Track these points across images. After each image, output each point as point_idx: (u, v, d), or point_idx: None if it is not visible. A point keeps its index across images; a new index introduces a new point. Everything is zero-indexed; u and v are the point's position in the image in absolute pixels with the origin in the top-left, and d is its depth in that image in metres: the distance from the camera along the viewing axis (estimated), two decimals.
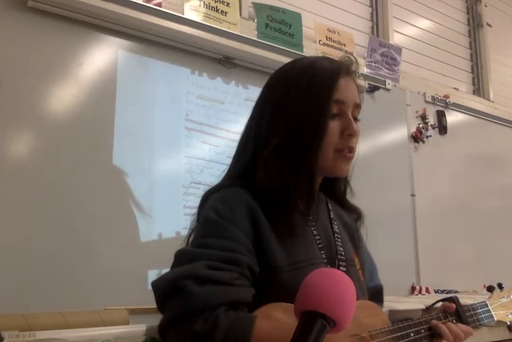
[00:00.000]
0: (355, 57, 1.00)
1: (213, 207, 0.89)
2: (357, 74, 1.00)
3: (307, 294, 0.63)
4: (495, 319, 1.06)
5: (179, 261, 0.82)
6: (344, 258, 0.96)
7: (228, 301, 0.77)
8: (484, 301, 1.06)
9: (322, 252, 0.93)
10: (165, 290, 0.78)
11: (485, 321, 1.02)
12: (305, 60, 1.00)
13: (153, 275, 1.72)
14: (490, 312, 1.05)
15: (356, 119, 0.96)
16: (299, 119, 0.91)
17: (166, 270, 0.84)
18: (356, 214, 1.08)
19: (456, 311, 0.97)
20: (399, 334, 0.86)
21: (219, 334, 0.73)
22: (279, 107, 0.94)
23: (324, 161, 0.93)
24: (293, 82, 0.94)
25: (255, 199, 0.89)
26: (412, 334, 0.88)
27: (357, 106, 0.96)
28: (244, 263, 0.82)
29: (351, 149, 0.94)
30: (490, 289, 1.13)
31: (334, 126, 0.92)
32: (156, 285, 0.80)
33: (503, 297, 1.10)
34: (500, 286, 1.13)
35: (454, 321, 0.96)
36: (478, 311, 1.02)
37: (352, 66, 0.97)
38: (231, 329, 0.74)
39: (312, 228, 0.94)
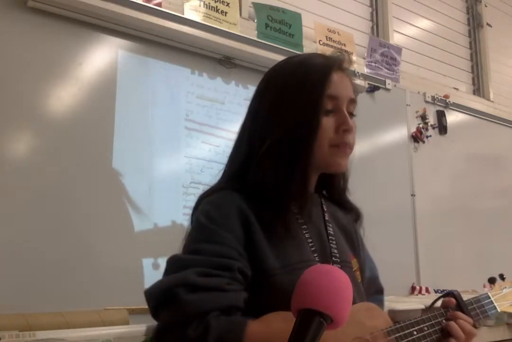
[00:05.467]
0: (347, 53, 0.99)
1: (204, 211, 0.88)
2: (355, 72, 0.99)
3: (302, 292, 0.62)
4: (499, 310, 1.05)
5: (171, 268, 0.83)
6: (338, 260, 0.94)
7: (220, 306, 0.77)
8: (486, 293, 1.05)
9: (315, 255, 0.91)
10: (158, 298, 0.79)
11: (489, 313, 1.01)
12: (298, 57, 0.99)
13: (153, 274, 1.72)
14: (493, 303, 1.03)
15: (352, 114, 0.94)
16: (293, 117, 0.90)
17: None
18: (354, 214, 1.07)
19: (458, 306, 0.96)
20: (401, 333, 0.86)
21: (212, 338, 0.73)
22: (273, 106, 0.93)
23: (320, 157, 0.91)
24: (286, 80, 0.94)
25: (247, 201, 0.89)
26: (415, 333, 0.87)
27: (352, 101, 0.94)
28: (235, 268, 0.81)
29: (348, 145, 0.92)
30: (491, 280, 1.12)
31: (328, 122, 0.90)
32: (149, 293, 0.80)
33: (505, 288, 1.08)
34: (502, 277, 1.12)
35: None
36: (481, 303, 1.01)
37: (345, 62, 0.96)
38: (223, 332, 0.74)
39: (304, 231, 0.93)
